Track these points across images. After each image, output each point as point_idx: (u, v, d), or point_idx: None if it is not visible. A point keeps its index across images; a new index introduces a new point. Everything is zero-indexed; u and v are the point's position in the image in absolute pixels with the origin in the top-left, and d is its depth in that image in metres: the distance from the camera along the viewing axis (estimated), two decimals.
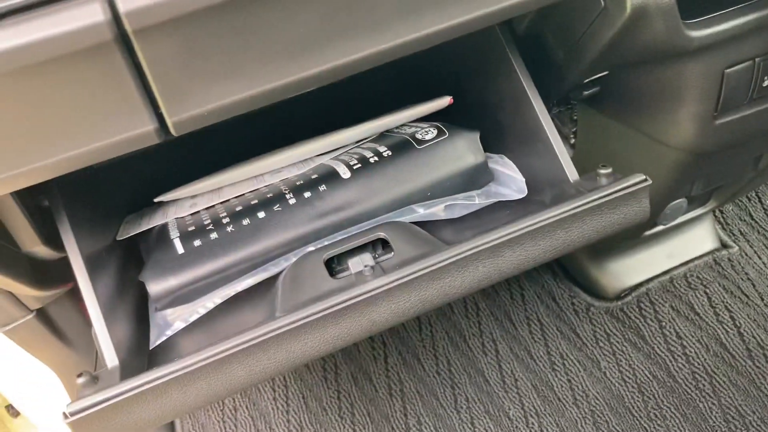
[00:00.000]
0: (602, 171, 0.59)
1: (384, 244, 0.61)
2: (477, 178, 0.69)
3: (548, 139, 0.64)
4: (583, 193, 0.58)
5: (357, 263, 0.59)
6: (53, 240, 0.60)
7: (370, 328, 0.54)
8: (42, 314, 0.75)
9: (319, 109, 0.81)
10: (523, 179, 0.68)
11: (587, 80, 0.75)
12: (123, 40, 0.38)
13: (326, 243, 0.62)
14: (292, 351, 0.52)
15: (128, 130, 0.41)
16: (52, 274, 0.65)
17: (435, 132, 0.70)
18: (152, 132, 0.42)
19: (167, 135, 0.43)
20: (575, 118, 0.93)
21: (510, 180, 0.69)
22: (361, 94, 0.81)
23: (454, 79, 0.79)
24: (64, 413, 0.49)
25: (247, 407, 1.16)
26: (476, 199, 0.66)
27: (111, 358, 0.54)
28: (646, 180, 0.58)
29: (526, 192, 0.67)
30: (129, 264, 0.68)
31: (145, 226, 0.67)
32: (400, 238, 0.60)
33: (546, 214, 0.56)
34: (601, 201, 0.57)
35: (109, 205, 0.73)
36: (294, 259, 0.61)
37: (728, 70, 0.69)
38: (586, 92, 0.78)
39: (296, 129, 0.78)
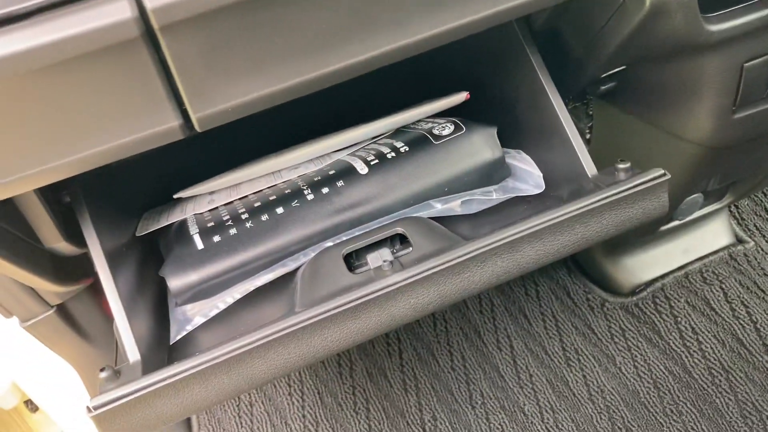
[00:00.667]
0: (621, 166, 0.59)
1: (402, 240, 0.61)
2: (494, 173, 0.69)
3: (566, 134, 0.64)
4: (601, 188, 0.57)
5: (376, 258, 0.59)
6: (75, 236, 0.60)
7: (389, 323, 0.54)
8: (62, 310, 0.76)
9: (336, 105, 0.82)
10: (541, 174, 0.68)
11: (604, 75, 0.75)
12: (149, 36, 0.38)
13: (344, 238, 0.62)
14: (312, 345, 0.52)
15: (153, 126, 0.42)
16: (73, 269, 0.66)
17: (452, 127, 0.70)
18: (177, 128, 0.42)
19: (191, 131, 0.43)
20: (591, 113, 0.93)
21: (527, 175, 0.69)
22: (378, 90, 0.81)
23: (471, 75, 0.79)
24: (87, 407, 0.49)
25: (262, 402, 1.17)
26: (493, 195, 0.66)
27: (132, 353, 0.54)
28: (665, 174, 0.58)
29: (544, 187, 0.67)
30: (148, 260, 0.69)
31: (164, 222, 0.68)
32: (418, 233, 0.60)
33: (565, 209, 0.56)
34: (619, 196, 0.57)
35: (129, 202, 0.74)
36: (312, 255, 0.61)
37: (747, 64, 0.68)
38: (603, 87, 0.78)
39: (313, 125, 0.78)
